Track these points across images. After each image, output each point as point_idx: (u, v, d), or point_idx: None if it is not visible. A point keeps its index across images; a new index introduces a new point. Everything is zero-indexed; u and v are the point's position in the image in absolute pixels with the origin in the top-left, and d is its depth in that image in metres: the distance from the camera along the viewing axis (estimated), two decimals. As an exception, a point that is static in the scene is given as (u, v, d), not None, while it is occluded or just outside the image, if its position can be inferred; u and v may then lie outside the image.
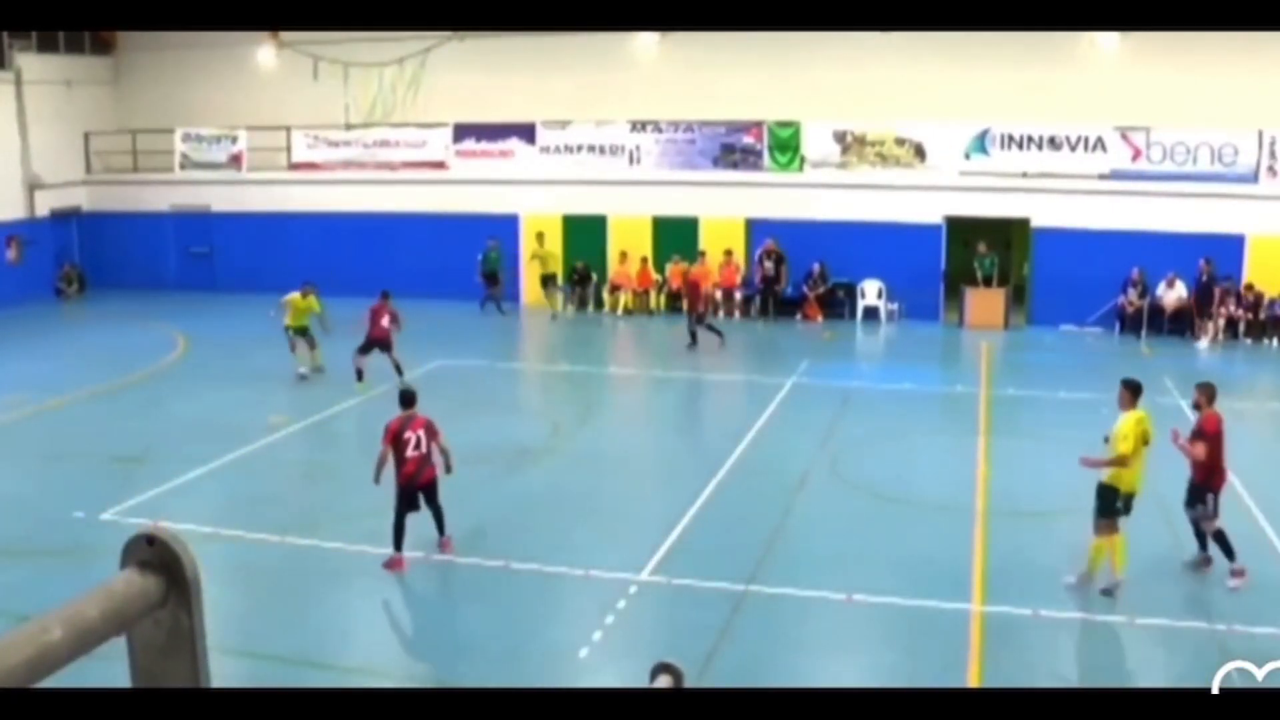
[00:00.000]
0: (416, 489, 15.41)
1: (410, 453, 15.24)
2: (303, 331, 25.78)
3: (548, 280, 34.12)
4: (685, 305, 30.25)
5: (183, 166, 38.61)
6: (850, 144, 32.97)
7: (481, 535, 16.66)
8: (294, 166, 37.57)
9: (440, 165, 36.14)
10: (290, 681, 12.00)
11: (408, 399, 15.75)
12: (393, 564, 15.44)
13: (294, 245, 36.40)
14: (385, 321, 24.64)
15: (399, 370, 24.37)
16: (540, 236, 34.36)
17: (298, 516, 17.45)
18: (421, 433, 15.33)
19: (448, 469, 15.66)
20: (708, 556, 15.76)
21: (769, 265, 32.97)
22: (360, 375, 24.56)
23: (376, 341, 24.64)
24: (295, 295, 25.92)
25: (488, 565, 15.55)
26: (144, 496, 18.25)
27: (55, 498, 18.37)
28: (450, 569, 15.68)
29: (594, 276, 34.59)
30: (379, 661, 13.56)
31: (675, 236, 33.94)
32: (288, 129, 37.32)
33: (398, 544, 15.40)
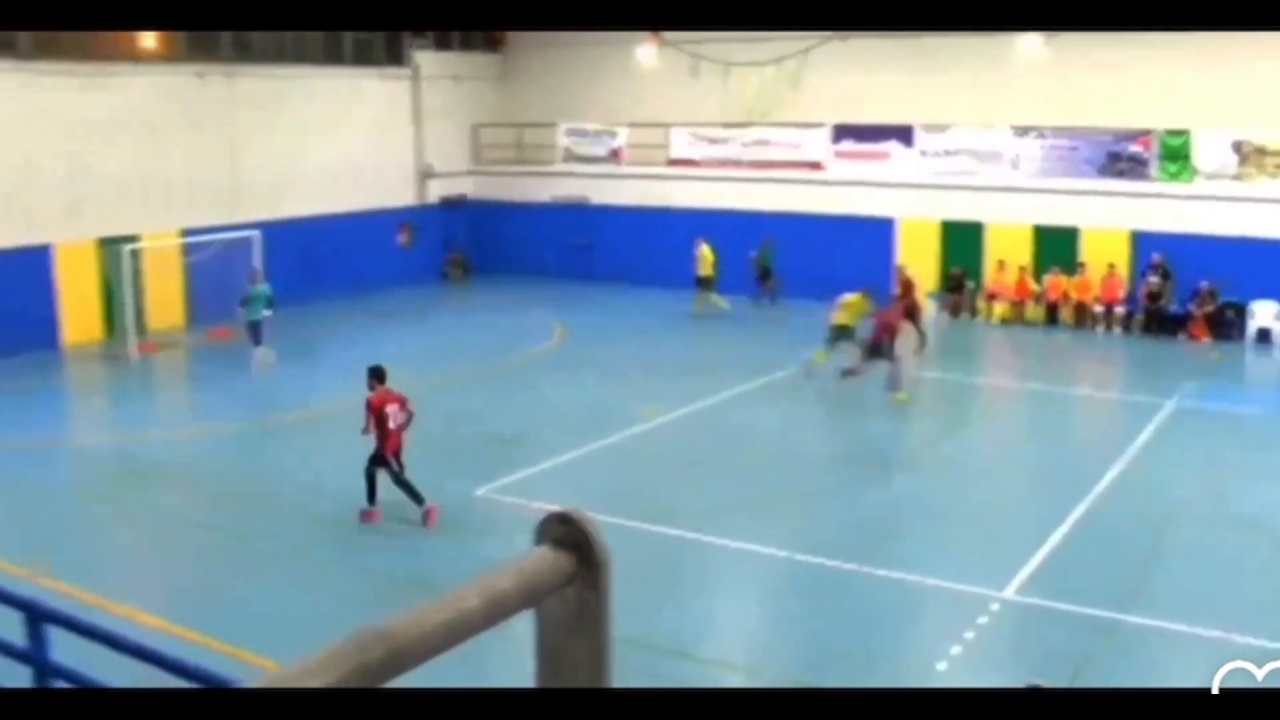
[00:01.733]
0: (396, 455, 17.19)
1: (391, 425, 17.05)
2: (847, 333, 25.68)
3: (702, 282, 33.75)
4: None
5: (564, 160, 39.85)
6: (1248, 154, 31.15)
7: (844, 539, 16.56)
8: (672, 163, 38.19)
9: (817, 166, 36.04)
10: (649, 666, 12.13)
11: (379, 374, 17.41)
12: (367, 516, 17.21)
13: (670, 240, 36.99)
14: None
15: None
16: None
17: (661, 506, 17.70)
18: (396, 407, 17.14)
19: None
20: (1076, 579, 15.16)
21: (1154, 280, 31.54)
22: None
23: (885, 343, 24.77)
24: (855, 296, 26.03)
25: (848, 569, 15.44)
26: (515, 476, 18.90)
27: (433, 472, 19.20)
28: (813, 570, 15.61)
29: (969, 284, 33.81)
30: (734, 656, 13.64)
31: (1054, 247, 32.85)
32: (667, 126, 37.98)
33: (371, 498, 17.23)
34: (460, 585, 2.20)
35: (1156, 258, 31.52)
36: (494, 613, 2.22)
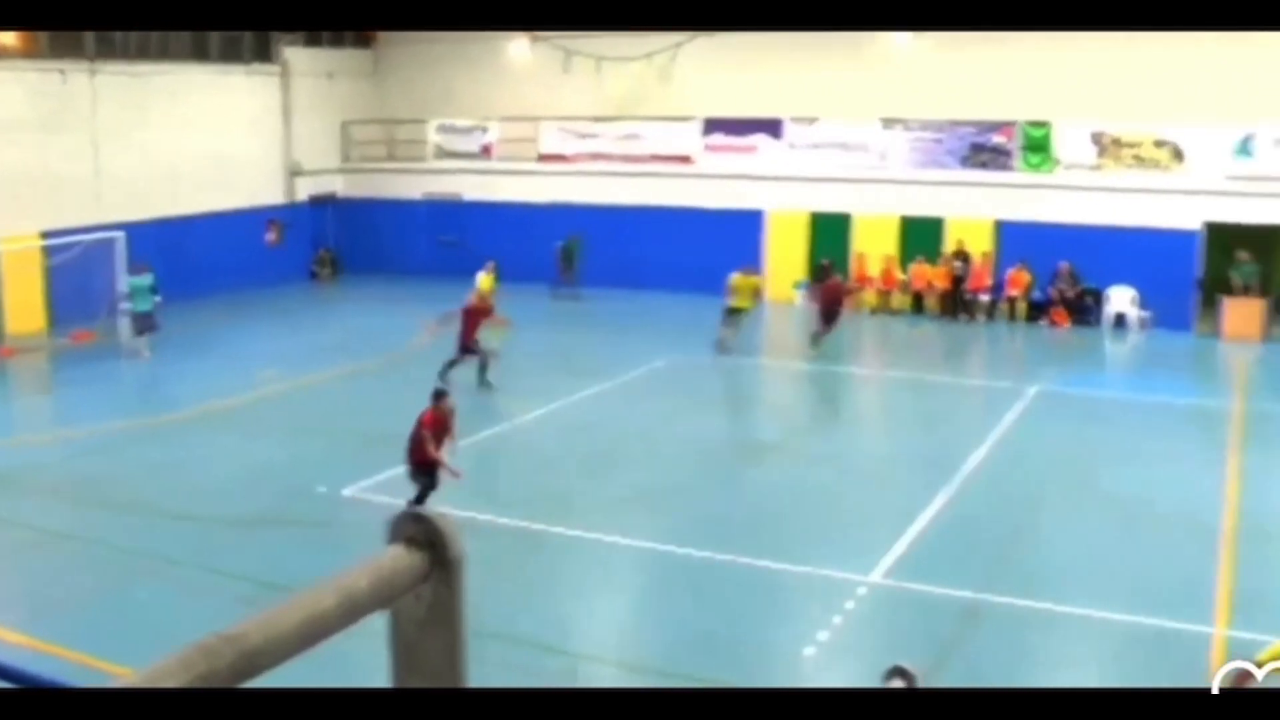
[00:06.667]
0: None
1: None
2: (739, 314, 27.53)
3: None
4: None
5: (436, 156, 39.65)
6: (1106, 146, 31.91)
7: (711, 530, 16.72)
8: (543, 158, 38.16)
9: (687, 160, 36.24)
10: (516, 661, 12.19)
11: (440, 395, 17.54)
12: None
13: (542, 235, 36.95)
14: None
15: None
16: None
17: (537, 501, 17.76)
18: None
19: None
20: (940, 563, 15.49)
21: (958, 265, 32.47)
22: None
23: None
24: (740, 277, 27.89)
25: (719, 559, 15.60)
26: (385, 475, 18.75)
27: (301, 471, 19.10)
28: (683, 561, 15.77)
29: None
30: (603, 649, 13.74)
31: (921, 237, 33.40)
32: (538, 120, 37.95)
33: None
34: (314, 586, 2.27)
35: (958, 245, 32.42)
36: (349, 613, 2.28)
